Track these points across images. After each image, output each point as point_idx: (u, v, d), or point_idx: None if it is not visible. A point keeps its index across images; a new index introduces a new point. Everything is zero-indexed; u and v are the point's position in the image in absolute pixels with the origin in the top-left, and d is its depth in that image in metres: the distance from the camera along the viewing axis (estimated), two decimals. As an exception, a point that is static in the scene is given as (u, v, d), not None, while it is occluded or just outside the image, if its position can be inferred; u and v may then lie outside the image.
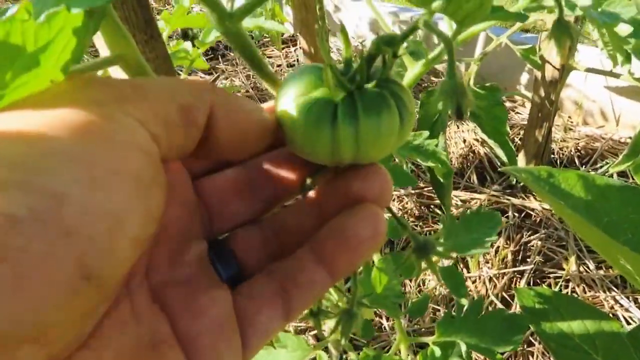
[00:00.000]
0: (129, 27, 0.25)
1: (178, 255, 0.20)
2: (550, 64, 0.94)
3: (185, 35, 1.52)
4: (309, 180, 0.23)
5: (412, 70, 0.40)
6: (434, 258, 0.27)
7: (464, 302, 0.46)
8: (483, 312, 0.52)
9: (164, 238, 0.20)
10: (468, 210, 0.50)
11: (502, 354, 0.44)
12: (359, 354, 0.46)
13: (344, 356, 0.71)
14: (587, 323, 0.72)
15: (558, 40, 0.19)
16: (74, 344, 0.15)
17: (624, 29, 0.36)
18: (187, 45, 0.43)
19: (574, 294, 0.95)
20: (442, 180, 0.68)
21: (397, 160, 1.14)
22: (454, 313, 0.45)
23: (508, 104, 1.47)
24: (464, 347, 0.42)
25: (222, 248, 0.22)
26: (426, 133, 0.56)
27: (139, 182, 0.15)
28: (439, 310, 0.95)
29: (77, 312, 0.14)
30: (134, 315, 0.17)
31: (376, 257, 0.41)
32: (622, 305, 0.91)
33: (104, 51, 0.24)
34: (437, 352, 0.43)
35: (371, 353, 0.40)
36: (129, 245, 0.14)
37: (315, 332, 0.92)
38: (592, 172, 1.19)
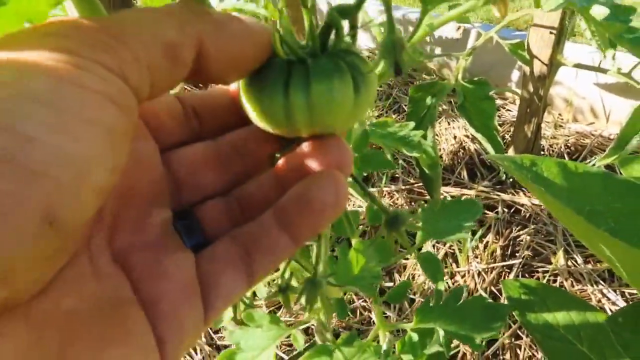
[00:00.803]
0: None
1: (142, 220, 0.20)
2: (539, 59, 0.95)
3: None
4: (277, 155, 0.24)
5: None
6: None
7: (441, 286, 0.46)
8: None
9: (129, 203, 0.20)
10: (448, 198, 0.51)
11: (482, 341, 0.44)
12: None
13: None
14: (572, 314, 0.72)
15: (388, 62, 0.19)
16: (33, 289, 0.15)
17: (600, 12, 0.37)
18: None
19: (561, 287, 0.95)
20: (427, 171, 0.68)
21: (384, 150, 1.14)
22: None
23: (499, 101, 1.48)
24: (442, 334, 0.42)
25: (188, 217, 0.22)
26: (412, 124, 0.57)
27: (109, 133, 0.15)
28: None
29: (38, 255, 0.14)
30: (94, 273, 0.18)
31: (354, 241, 0.41)
32: (609, 299, 0.91)
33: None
34: (415, 338, 0.43)
35: (345, 336, 0.40)
36: (92, 193, 0.15)
37: (305, 325, 0.92)
38: (593, 162, 1.19)
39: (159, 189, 0.22)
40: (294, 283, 0.39)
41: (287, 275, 0.34)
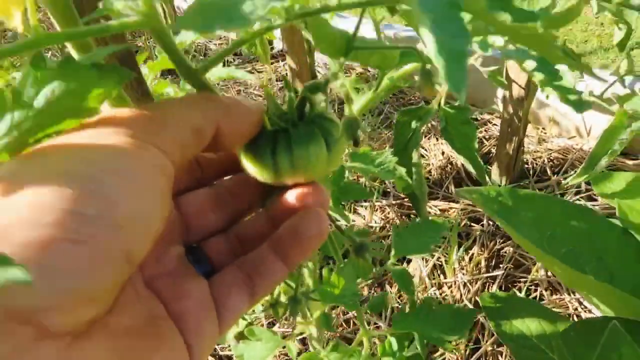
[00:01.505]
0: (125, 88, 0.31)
1: (162, 254, 0.26)
2: (517, 84, 1.01)
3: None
4: (268, 200, 0.30)
5: (358, 101, 0.47)
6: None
7: (413, 296, 0.52)
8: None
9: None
10: (417, 220, 0.57)
11: (451, 342, 0.50)
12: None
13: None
14: (544, 324, 0.76)
15: (423, 86, 0.25)
16: (106, 309, 0.20)
17: (530, 65, 0.43)
18: (169, 90, 0.50)
19: (541, 297, 1.01)
20: (403, 192, 0.74)
21: (373, 180, 1.21)
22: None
23: (486, 116, 1.55)
24: (417, 337, 0.48)
25: (197, 251, 0.28)
26: (388, 151, 0.63)
27: (161, 196, 0.21)
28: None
29: (117, 283, 0.19)
30: (136, 295, 0.23)
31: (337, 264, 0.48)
32: (585, 307, 0.97)
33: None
34: (394, 342, 0.50)
35: (332, 343, 0.46)
36: (152, 237, 0.20)
37: (300, 337, 0.98)
38: (563, 181, 1.25)
39: (174, 229, 0.28)
40: (283, 299, 0.45)
41: (276, 293, 0.41)
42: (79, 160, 0.19)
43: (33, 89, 0.23)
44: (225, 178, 0.31)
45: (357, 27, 0.25)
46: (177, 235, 0.28)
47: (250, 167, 0.27)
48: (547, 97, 0.47)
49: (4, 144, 0.23)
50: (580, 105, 0.47)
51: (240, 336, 0.51)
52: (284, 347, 0.65)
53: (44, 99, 0.23)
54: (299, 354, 0.57)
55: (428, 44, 0.14)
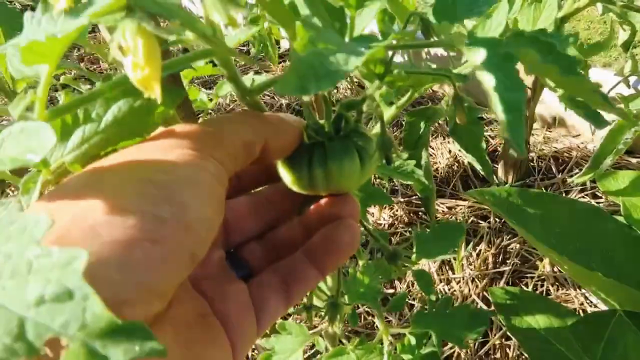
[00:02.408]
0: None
1: (206, 258, 0.27)
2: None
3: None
4: (302, 209, 0.33)
5: (388, 112, 0.50)
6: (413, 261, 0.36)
7: (432, 297, 0.55)
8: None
9: None
10: (437, 224, 0.60)
11: (470, 341, 0.53)
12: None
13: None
14: (552, 318, 0.78)
15: (454, 112, 0.28)
16: (167, 304, 0.21)
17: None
18: (203, 96, 0.53)
19: (548, 292, 1.04)
20: (421, 194, 0.77)
21: (381, 179, 1.24)
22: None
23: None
24: (434, 335, 0.51)
25: (236, 255, 0.30)
26: (405, 155, 0.65)
27: (219, 202, 0.23)
28: (425, 309, 1.04)
29: (181, 281, 0.21)
30: (187, 295, 0.25)
31: (361, 263, 0.51)
32: (591, 302, 1.00)
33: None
34: (413, 340, 0.52)
35: (357, 340, 0.49)
36: (210, 241, 0.22)
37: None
38: (568, 179, 1.28)
39: (216, 234, 0.30)
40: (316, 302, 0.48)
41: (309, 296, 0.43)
42: (152, 169, 0.22)
43: (102, 107, 0.25)
44: (264, 187, 0.33)
45: (394, 53, 0.28)
46: (218, 240, 0.30)
47: (287, 177, 0.29)
48: (561, 103, 0.50)
49: (76, 155, 0.26)
50: (600, 122, 0.50)
51: (270, 330, 0.54)
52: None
53: (112, 116, 0.25)
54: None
55: (490, 94, 0.17)
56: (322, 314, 0.34)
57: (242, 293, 0.28)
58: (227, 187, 0.24)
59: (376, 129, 0.34)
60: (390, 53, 0.30)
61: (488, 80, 0.22)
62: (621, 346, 0.38)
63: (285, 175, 0.30)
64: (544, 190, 1.22)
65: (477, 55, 0.24)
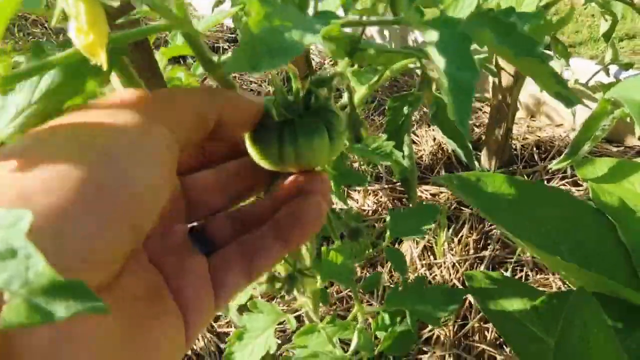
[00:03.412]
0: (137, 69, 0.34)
1: (166, 231, 0.27)
2: (506, 71, 1.05)
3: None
4: (271, 184, 0.33)
5: (359, 92, 0.51)
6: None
7: (405, 275, 0.56)
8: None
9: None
10: (410, 205, 0.61)
11: (439, 318, 0.54)
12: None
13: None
14: (526, 301, 0.80)
15: (423, 91, 0.28)
16: (114, 275, 0.21)
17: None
18: (181, 74, 0.53)
19: (527, 277, 1.06)
20: (399, 176, 0.78)
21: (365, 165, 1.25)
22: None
23: (477, 104, 1.58)
24: (408, 313, 0.53)
25: (199, 230, 0.30)
26: (384, 137, 0.66)
27: (169, 169, 0.22)
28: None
29: (124, 251, 0.20)
30: (140, 268, 0.24)
31: (336, 243, 0.52)
32: (568, 286, 1.02)
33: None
34: (386, 318, 0.54)
35: (328, 318, 0.50)
36: (157, 211, 0.21)
37: (295, 314, 1.03)
38: (549, 166, 1.30)
39: (178, 207, 0.29)
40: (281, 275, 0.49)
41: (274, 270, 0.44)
42: (93, 134, 0.21)
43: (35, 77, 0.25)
44: (231, 162, 0.32)
45: (363, 31, 0.28)
46: (181, 213, 0.29)
47: (256, 154, 0.30)
48: (541, 90, 0.50)
49: (13, 129, 0.25)
50: (569, 102, 0.51)
51: (242, 309, 0.55)
52: (279, 324, 0.69)
53: (45, 85, 0.24)
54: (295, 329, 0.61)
55: (439, 73, 0.17)
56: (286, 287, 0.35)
57: (200, 267, 0.27)
58: (177, 156, 0.23)
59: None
60: (360, 31, 0.30)
61: (439, 60, 0.23)
62: (579, 322, 0.39)
63: (254, 152, 0.30)
64: (526, 178, 1.24)
65: (431, 35, 0.24)
